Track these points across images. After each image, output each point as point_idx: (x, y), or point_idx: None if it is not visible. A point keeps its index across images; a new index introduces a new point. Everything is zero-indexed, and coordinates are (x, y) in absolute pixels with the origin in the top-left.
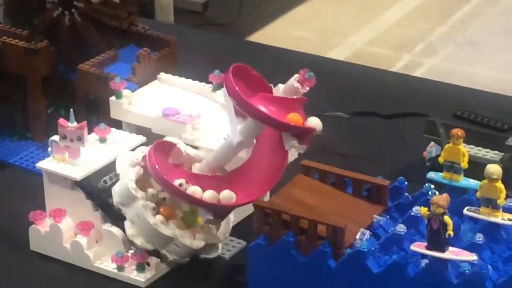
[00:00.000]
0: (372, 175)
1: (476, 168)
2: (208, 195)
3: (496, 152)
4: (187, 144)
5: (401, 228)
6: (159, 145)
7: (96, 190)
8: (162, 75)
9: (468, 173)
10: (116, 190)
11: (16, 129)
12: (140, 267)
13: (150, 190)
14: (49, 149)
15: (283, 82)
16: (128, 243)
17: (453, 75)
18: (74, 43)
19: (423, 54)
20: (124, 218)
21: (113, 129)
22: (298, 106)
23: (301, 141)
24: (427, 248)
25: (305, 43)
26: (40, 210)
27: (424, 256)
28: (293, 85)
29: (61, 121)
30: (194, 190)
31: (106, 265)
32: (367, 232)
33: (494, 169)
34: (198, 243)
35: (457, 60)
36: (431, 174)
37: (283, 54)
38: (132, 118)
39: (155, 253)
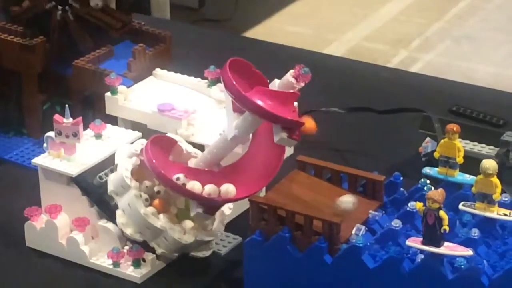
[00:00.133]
0: (368, 171)
1: (471, 163)
2: (209, 189)
3: (492, 147)
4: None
5: (396, 223)
6: (156, 139)
7: (91, 186)
8: (158, 70)
9: (464, 168)
10: (111, 179)
11: (12, 125)
12: (136, 263)
13: (145, 182)
14: (45, 145)
15: (279, 78)
16: (124, 239)
17: (449, 71)
18: (61, 39)
19: (420, 50)
20: None
21: (108, 125)
22: (291, 101)
23: (290, 135)
24: (423, 243)
25: (301, 39)
26: (36, 206)
27: (419, 251)
28: (288, 81)
29: (57, 117)
30: (193, 184)
31: (102, 261)
32: (363, 228)
33: (490, 164)
34: (187, 238)
35: (453, 56)
36: (427, 169)
37: (278, 49)
38: (127, 114)
39: (152, 249)
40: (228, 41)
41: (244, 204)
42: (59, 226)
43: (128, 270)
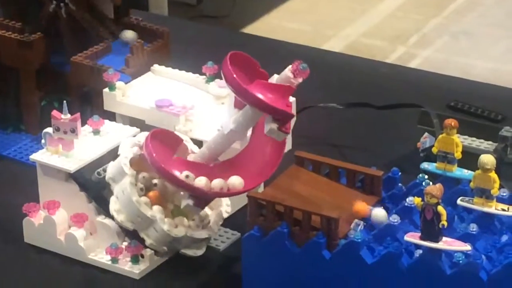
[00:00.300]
0: (366, 166)
1: (469, 159)
2: (217, 183)
3: (490, 142)
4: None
5: (395, 218)
6: (156, 133)
7: (89, 182)
8: (156, 66)
9: (462, 164)
10: (110, 166)
11: (10, 121)
12: (134, 259)
13: (143, 173)
14: (43, 141)
15: (278, 74)
16: (122, 235)
17: (447, 67)
18: (75, 33)
19: (418, 46)
20: None
21: (106, 121)
22: (288, 94)
23: (280, 127)
24: (421, 238)
25: (300, 35)
26: (34, 202)
27: (418, 246)
28: (287, 76)
29: (55, 113)
30: (200, 180)
31: (100, 257)
32: (361, 223)
33: (488, 159)
34: (177, 231)
35: (451, 51)
36: (425, 165)
37: (277, 45)
38: (125, 110)
39: (142, 240)
40: (226, 37)
41: (242, 200)
42: (57, 222)
43: (126, 266)
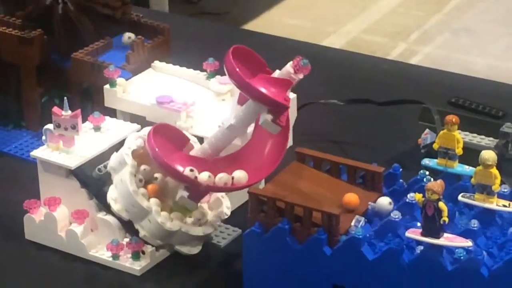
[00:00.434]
0: (367, 162)
1: (471, 155)
2: (221, 177)
3: (491, 138)
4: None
5: (396, 214)
6: (160, 128)
7: (90, 178)
8: (156, 63)
9: (463, 160)
10: (113, 156)
11: (10, 118)
12: (135, 256)
13: (145, 166)
14: (43, 137)
15: (278, 70)
16: (123, 231)
17: (448, 63)
18: (67, 31)
19: (418, 42)
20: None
21: (107, 118)
22: (286, 87)
23: (276, 119)
24: (422, 234)
25: (300, 31)
26: (35, 199)
27: (419, 242)
28: (288, 72)
29: (55, 109)
30: (204, 174)
31: (101, 253)
32: (362, 219)
33: (489, 155)
34: (172, 225)
35: (452, 48)
36: (426, 161)
37: (277, 42)
38: (126, 106)
39: (136, 231)
40: (227, 34)
41: (243, 196)
42: (58, 219)
43: (127, 263)
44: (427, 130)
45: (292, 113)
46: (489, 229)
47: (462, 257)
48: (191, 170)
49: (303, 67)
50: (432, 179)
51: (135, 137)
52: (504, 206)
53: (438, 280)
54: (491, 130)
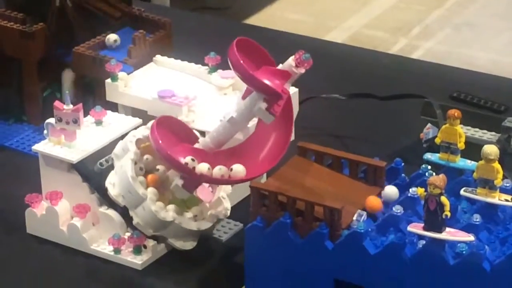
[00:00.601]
0: (369, 157)
1: (473, 149)
2: (219, 170)
3: (493, 133)
4: None
5: (398, 209)
6: (163, 120)
7: (92, 172)
8: (158, 57)
9: (465, 154)
10: (118, 143)
11: (12, 112)
12: (137, 250)
13: (148, 156)
14: (45, 131)
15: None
16: (125, 226)
17: (450, 58)
18: (61, 24)
19: (420, 37)
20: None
21: (109, 112)
22: (283, 78)
23: (269, 107)
24: (424, 229)
25: (302, 26)
26: (36, 193)
27: (421, 237)
28: (290, 66)
29: (57, 103)
30: (202, 165)
31: (103, 247)
32: (364, 213)
33: (491, 150)
34: (165, 214)
35: (454, 43)
36: (428, 155)
37: (279, 36)
38: (128, 101)
39: (130, 219)
40: (228, 28)
41: (245, 190)
42: (60, 213)
43: (129, 257)
44: (429, 125)
45: (294, 107)
46: (491, 224)
47: (464, 252)
48: (193, 160)
49: (305, 62)
50: (434, 173)
51: (143, 128)
52: (506, 200)
53: (440, 274)
54: (493, 124)
